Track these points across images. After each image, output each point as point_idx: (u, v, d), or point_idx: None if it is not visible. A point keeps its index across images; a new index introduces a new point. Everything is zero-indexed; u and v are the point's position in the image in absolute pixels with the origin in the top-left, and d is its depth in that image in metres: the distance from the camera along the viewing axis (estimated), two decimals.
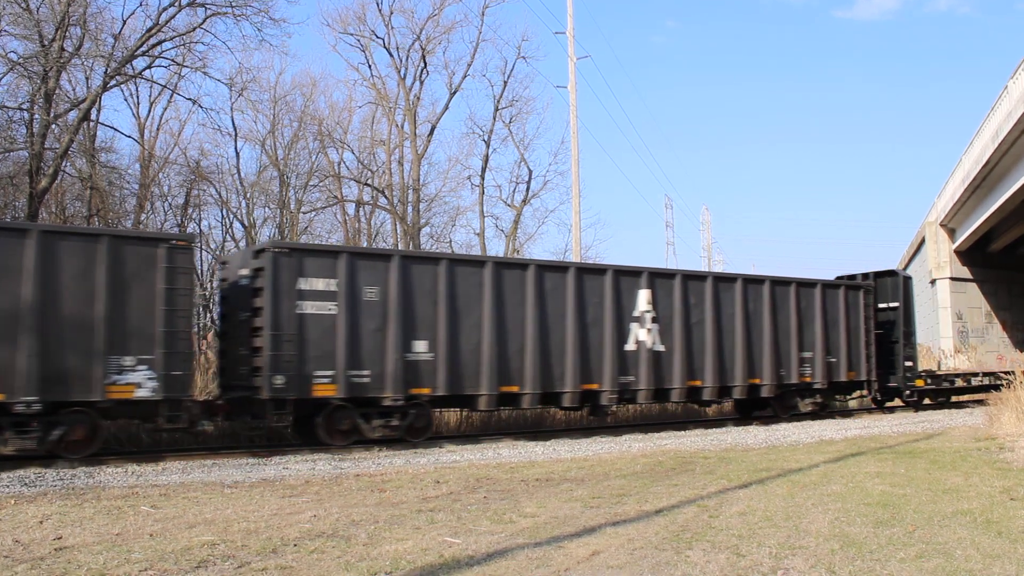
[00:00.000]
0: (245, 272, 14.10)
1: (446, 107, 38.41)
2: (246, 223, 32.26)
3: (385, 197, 35.79)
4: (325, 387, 13.67)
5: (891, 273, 22.94)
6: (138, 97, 31.60)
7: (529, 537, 6.82)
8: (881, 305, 22.48)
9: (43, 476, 10.65)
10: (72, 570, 5.84)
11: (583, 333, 16.45)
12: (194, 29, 23.87)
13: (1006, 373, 23.80)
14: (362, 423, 14.17)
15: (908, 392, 22.36)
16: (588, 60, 69.01)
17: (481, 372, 15.13)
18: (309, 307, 13.61)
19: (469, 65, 37.73)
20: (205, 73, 25.03)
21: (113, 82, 23.94)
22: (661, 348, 17.51)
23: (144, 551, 6.36)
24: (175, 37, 23.91)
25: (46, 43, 21.08)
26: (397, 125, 36.67)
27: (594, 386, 16.58)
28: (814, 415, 20.52)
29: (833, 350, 20.45)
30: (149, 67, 25.41)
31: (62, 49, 21.49)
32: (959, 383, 24.06)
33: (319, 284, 13.72)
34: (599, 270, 17.39)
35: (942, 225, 36.58)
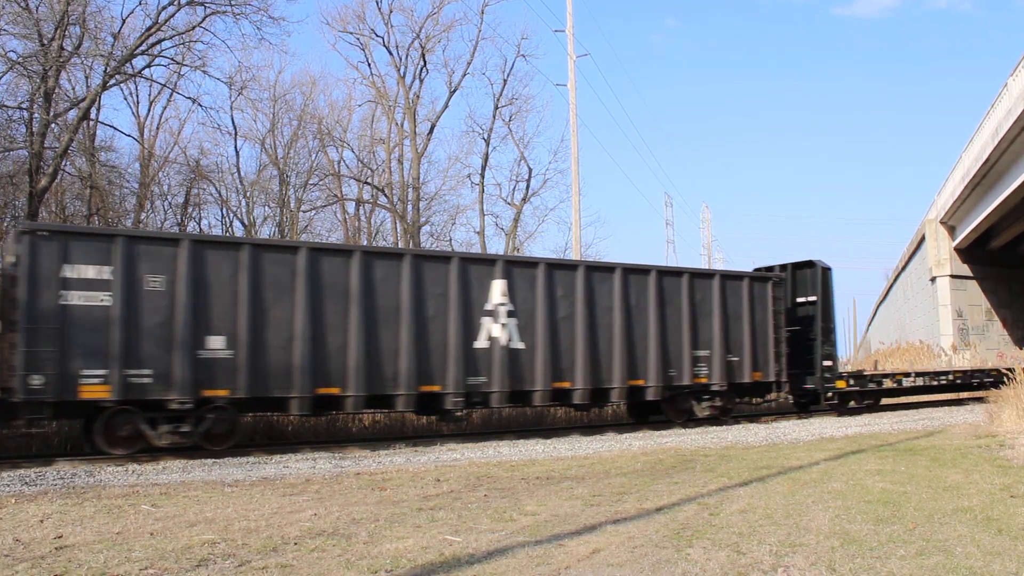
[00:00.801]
0: (10, 259, 12.54)
1: (446, 105, 38.45)
2: (246, 222, 32.29)
3: (385, 196, 35.79)
4: (95, 388, 12.07)
5: (809, 264, 21.15)
6: (138, 96, 31.64)
7: (530, 535, 6.82)
8: (800, 299, 20.88)
9: (43, 475, 10.66)
10: (73, 569, 5.84)
11: (421, 329, 14.59)
12: (193, 28, 23.88)
13: (944, 374, 23.41)
14: (147, 429, 12.61)
15: (829, 395, 20.60)
16: (588, 58, 69.20)
17: (293, 373, 13.44)
18: (76, 298, 12.03)
19: (469, 63, 37.72)
20: (205, 72, 25.00)
21: (113, 81, 23.94)
22: (520, 345, 15.62)
23: (145, 550, 6.36)
24: (174, 36, 23.91)
25: (45, 42, 21.07)
26: (397, 123, 36.69)
27: (435, 388, 14.66)
28: (716, 421, 18.59)
29: (735, 348, 18.63)
30: (149, 66, 25.44)
31: (61, 48, 21.49)
32: (887, 384, 22.07)
33: (89, 272, 12.14)
34: (442, 258, 15.80)
35: (942, 223, 36.58)
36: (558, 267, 16.60)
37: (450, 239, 39.29)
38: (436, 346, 14.80)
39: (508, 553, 6.20)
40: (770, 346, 19.31)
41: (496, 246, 39.20)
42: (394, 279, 14.49)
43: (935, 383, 22.87)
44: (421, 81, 36.72)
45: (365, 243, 35.73)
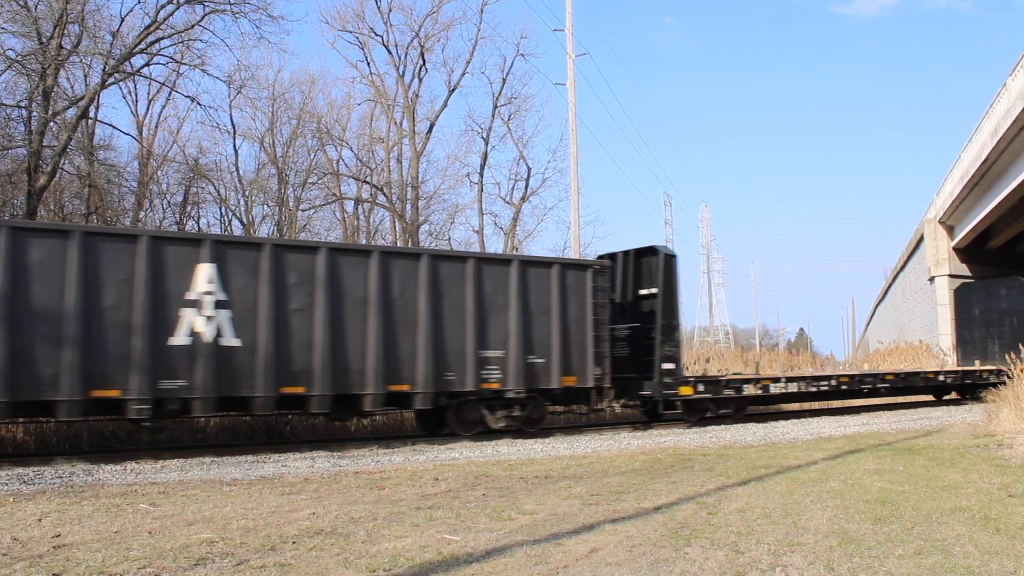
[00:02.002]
0: None
1: (445, 104, 38.48)
2: (245, 221, 32.27)
3: (384, 195, 35.78)
4: None
5: (651, 250, 18.19)
6: (136, 95, 31.59)
7: (528, 534, 6.82)
8: (643, 291, 18.02)
9: (41, 474, 10.65)
10: (71, 568, 5.83)
11: (93, 322, 12.06)
12: (192, 26, 23.87)
13: (826, 379, 20.83)
14: None
15: (672, 402, 17.87)
16: (587, 58, 69.24)
17: None
18: None
19: (468, 62, 37.69)
20: (203, 71, 24.95)
21: (111, 80, 23.92)
22: (234, 343, 12.93)
23: (143, 549, 6.36)
24: (173, 35, 23.90)
25: (44, 41, 21.06)
26: (396, 122, 36.68)
27: (112, 393, 12.07)
28: (520, 433, 15.78)
29: (539, 348, 15.82)
30: (147, 64, 25.44)
31: (60, 47, 21.47)
32: (750, 391, 19.08)
33: None
34: (126, 237, 12.77)
35: (941, 222, 36.59)
36: (291, 250, 13.95)
37: (449, 238, 39.31)
38: (116, 343, 12.19)
39: (506, 552, 6.20)
40: (588, 346, 16.41)
41: (495, 245, 39.22)
42: (58, 260, 11.92)
43: (813, 389, 20.42)
44: (420, 80, 36.72)
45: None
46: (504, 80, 38.32)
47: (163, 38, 23.81)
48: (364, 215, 37.18)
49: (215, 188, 32.29)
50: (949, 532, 6.77)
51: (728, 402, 19.05)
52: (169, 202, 31.52)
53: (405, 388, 14.40)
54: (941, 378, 23.55)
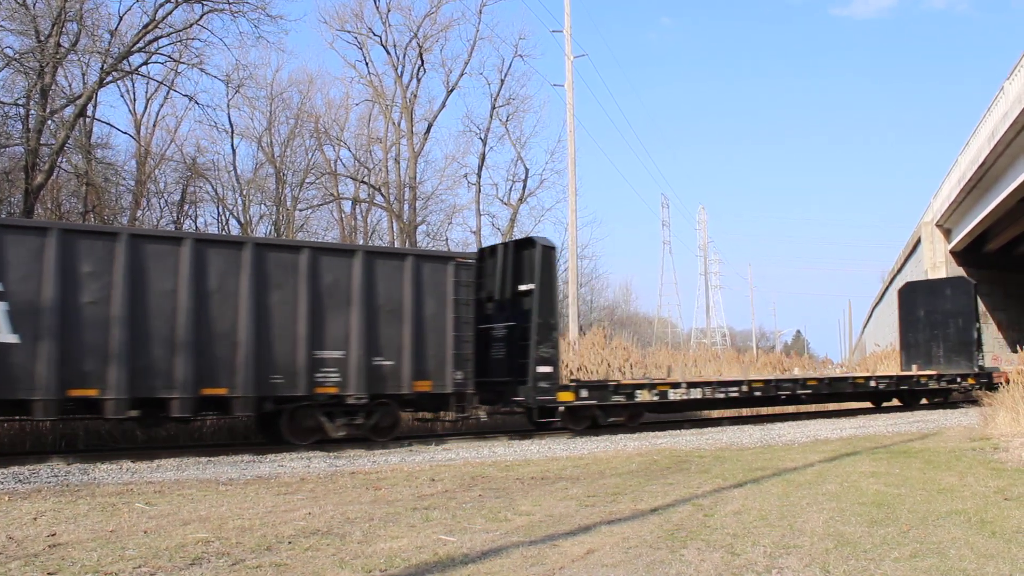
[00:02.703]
0: None
1: (443, 105, 38.50)
2: (242, 220, 32.25)
3: (381, 195, 35.78)
4: None
5: (529, 243, 16.45)
6: (134, 93, 31.61)
7: (524, 535, 6.82)
8: (523, 287, 16.20)
9: (37, 473, 10.63)
10: (66, 567, 5.82)
11: None
12: (191, 25, 23.89)
13: (735, 384, 19.17)
14: None
15: (553, 410, 16.14)
16: (585, 59, 69.11)
17: None
18: None
19: (466, 63, 37.79)
20: (202, 70, 24.97)
21: (109, 78, 23.93)
22: (11, 339, 11.57)
23: (138, 548, 6.35)
24: (172, 33, 23.92)
25: (42, 39, 21.05)
26: (394, 123, 36.70)
27: None
28: (367, 443, 14.28)
29: (387, 349, 14.19)
30: (145, 63, 25.45)
31: (58, 45, 21.46)
32: (644, 397, 17.30)
33: None
34: None
35: (938, 225, 36.64)
36: (84, 235, 12.44)
37: (447, 239, 39.33)
38: None
39: (502, 553, 6.20)
40: (448, 347, 14.72)
41: None
42: None
43: (720, 396, 18.75)
44: (418, 80, 36.79)
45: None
46: (502, 81, 38.43)
47: (161, 37, 23.83)
48: (362, 215, 37.21)
49: (213, 187, 32.28)
50: (945, 535, 6.77)
51: (619, 409, 17.25)
52: (167, 201, 31.52)
53: (222, 392, 12.87)
54: (873, 384, 22.30)
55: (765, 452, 13.25)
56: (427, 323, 14.63)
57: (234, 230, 32.14)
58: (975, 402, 22.33)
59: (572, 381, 17.55)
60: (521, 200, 39.82)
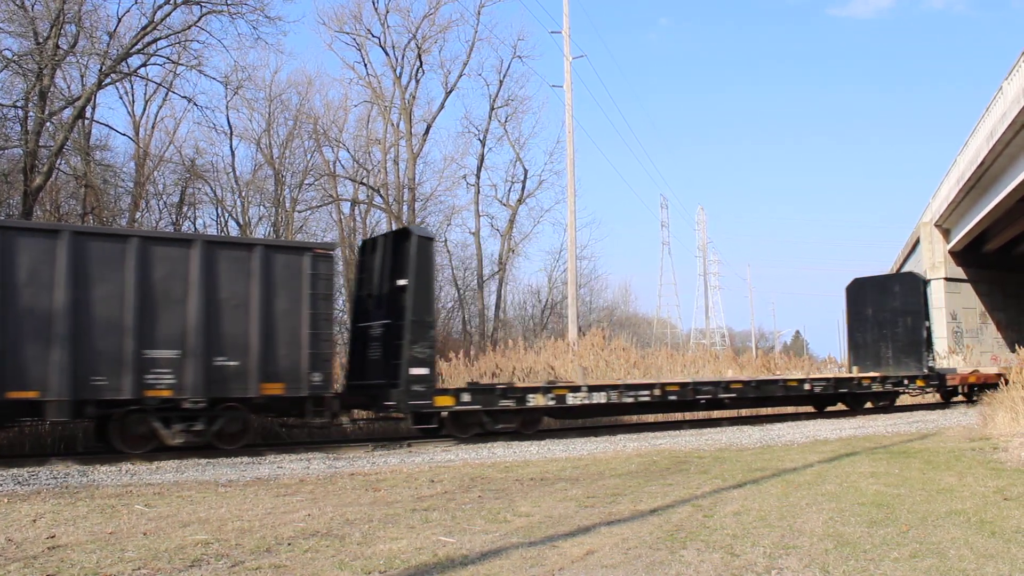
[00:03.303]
0: None
1: (442, 106, 38.45)
2: (241, 222, 32.24)
3: (380, 196, 35.77)
4: None
5: (404, 234, 15.25)
6: (133, 95, 31.58)
7: (524, 536, 6.81)
8: (399, 282, 14.93)
9: (36, 474, 10.63)
10: (65, 569, 5.82)
11: None
12: (189, 27, 23.84)
13: (647, 387, 17.63)
14: None
15: (432, 415, 14.81)
16: (584, 60, 69.01)
17: None
18: None
19: (465, 64, 37.78)
20: (200, 71, 24.91)
21: (108, 80, 23.88)
22: None
23: (138, 550, 6.35)
24: (170, 35, 23.87)
25: (41, 40, 21.03)
26: (393, 124, 36.68)
27: None
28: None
29: (232, 349, 13.03)
30: (144, 65, 25.39)
31: (57, 47, 21.44)
32: (538, 401, 15.86)
33: None
34: None
35: (937, 225, 36.65)
36: None
37: (445, 239, 39.32)
38: None
39: (502, 554, 6.20)
40: (304, 347, 13.52)
41: (492, 247, 39.28)
42: None
43: (629, 400, 17.19)
44: (417, 81, 36.76)
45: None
46: (501, 82, 38.43)
47: (160, 39, 23.78)
48: (360, 216, 37.17)
49: (211, 189, 32.25)
50: (944, 535, 6.77)
51: (510, 415, 15.80)
52: (165, 203, 31.49)
53: (31, 395, 11.68)
54: (807, 387, 20.49)
55: (764, 453, 13.25)
56: (279, 320, 13.44)
57: (233, 231, 32.13)
58: (931, 406, 22.86)
59: (455, 386, 16.40)
60: (520, 201, 39.84)
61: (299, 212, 34.21)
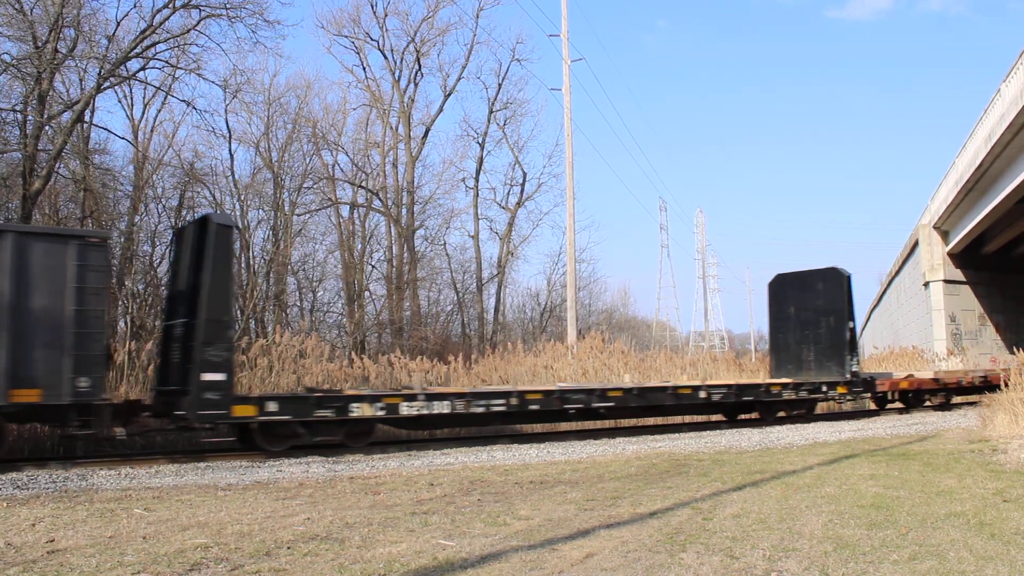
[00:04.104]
0: None
1: (440, 109, 38.50)
2: (240, 225, 32.21)
3: (379, 199, 35.79)
4: None
5: (204, 221, 13.42)
6: (132, 99, 31.55)
7: (523, 539, 6.82)
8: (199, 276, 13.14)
9: (35, 479, 10.63)
10: (65, 573, 5.82)
11: None
12: (188, 31, 23.86)
13: (502, 395, 15.56)
14: None
15: (212, 427, 12.89)
16: (582, 63, 69.27)
17: None
18: None
19: (463, 67, 37.88)
20: (199, 75, 24.97)
21: (107, 84, 23.90)
22: None
23: (137, 554, 6.35)
24: (169, 39, 23.89)
25: (40, 44, 21.04)
26: (391, 127, 36.72)
27: None
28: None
29: None
30: (143, 69, 25.40)
31: (56, 50, 21.46)
32: (362, 412, 13.97)
33: None
34: None
35: (935, 227, 36.68)
36: None
37: (444, 243, 39.35)
38: None
39: (501, 557, 6.20)
40: (66, 348, 11.75)
41: (491, 250, 39.31)
42: None
43: (479, 410, 15.16)
44: (416, 85, 36.84)
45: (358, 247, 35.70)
46: (500, 85, 38.51)
47: (159, 42, 23.81)
48: (359, 220, 37.17)
49: (210, 192, 32.21)
50: (944, 537, 6.78)
51: (331, 426, 13.99)
52: (164, 206, 31.44)
53: None
54: (703, 394, 18.11)
55: (764, 455, 13.25)
56: (35, 318, 11.67)
57: None
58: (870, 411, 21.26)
59: (248, 396, 13.88)
60: (519, 204, 39.89)
61: (298, 215, 34.23)
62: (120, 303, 25.86)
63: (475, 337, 36.94)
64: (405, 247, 35.60)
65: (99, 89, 23.42)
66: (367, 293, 36.18)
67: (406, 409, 14.48)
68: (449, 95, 37.48)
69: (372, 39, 36.47)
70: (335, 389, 16.01)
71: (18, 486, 10.08)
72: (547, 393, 16.16)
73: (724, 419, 20.56)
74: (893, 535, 6.88)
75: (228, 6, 23.26)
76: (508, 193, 40.31)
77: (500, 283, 40.12)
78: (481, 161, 38.90)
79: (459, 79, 37.64)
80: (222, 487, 10.15)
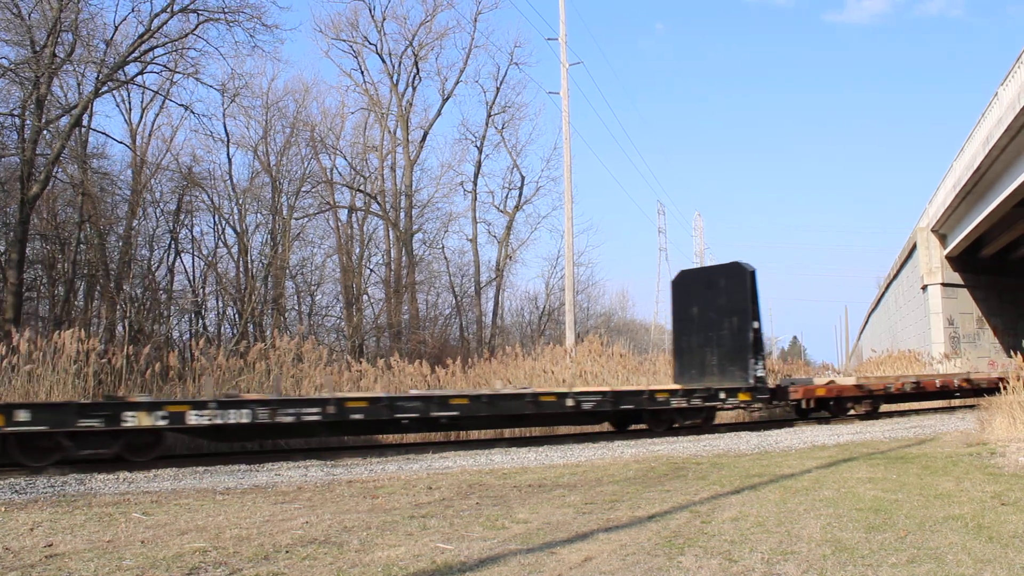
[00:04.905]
0: None
1: (439, 113, 38.61)
2: (238, 229, 32.21)
3: (377, 203, 35.81)
4: None
5: None
6: (130, 103, 31.56)
7: (522, 543, 6.81)
8: None
9: (33, 483, 10.61)
10: None
11: None
12: (186, 35, 23.90)
13: (315, 402, 13.71)
14: None
15: None
16: (580, 67, 69.28)
17: None
18: None
19: (462, 71, 37.98)
20: (197, 79, 24.94)
21: (105, 88, 23.93)
22: None
23: (135, 558, 6.34)
24: (167, 43, 23.92)
25: (38, 49, 21.05)
26: (390, 131, 36.77)
27: None
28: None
29: None
30: (141, 73, 25.43)
31: (54, 55, 21.46)
32: (139, 422, 12.31)
33: None
34: None
35: (933, 231, 36.76)
36: None
37: (443, 246, 39.36)
38: None
39: (500, 561, 6.20)
40: None
41: (489, 254, 39.34)
42: None
43: (287, 419, 13.36)
44: (414, 88, 36.90)
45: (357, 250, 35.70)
46: (498, 89, 38.62)
47: (157, 46, 23.83)
48: (358, 224, 37.20)
49: (208, 196, 32.23)
50: (942, 540, 6.78)
51: (104, 438, 12.36)
52: (162, 210, 31.45)
53: None
54: (570, 402, 16.29)
55: (762, 458, 13.25)
56: None
57: (230, 239, 32.11)
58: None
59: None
60: (517, 207, 39.93)
61: (296, 219, 34.24)
62: (118, 307, 25.86)
63: (473, 341, 36.96)
64: (403, 251, 35.62)
65: (97, 93, 23.44)
66: (365, 297, 36.20)
67: (195, 418, 12.80)
68: (447, 99, 37.57)
69: (370, 43, 36.56)
70: (117, 396, 14.40)
71: (16, 491, 10.07)
72: (373, 401, 14.32)
73: (613, 430, 18.74)
74: (891, 538, 6.88)
75: (226, 10, 23.30)
76: (506, 197, 40.40)
77: (498, 287, 40.17)
78: (479, 165, 38.99)
79: (457, 83, 37.74)
80: (220, 491, 10.15)
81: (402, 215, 35.74)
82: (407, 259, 35.67)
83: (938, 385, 23.37)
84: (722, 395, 18.34)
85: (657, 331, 72.57)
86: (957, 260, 36.57)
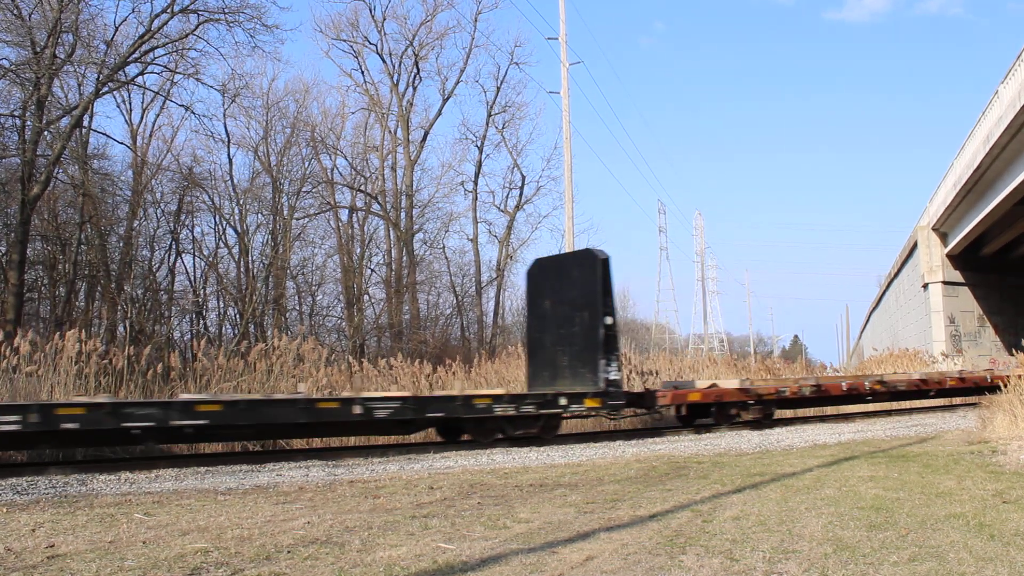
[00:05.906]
0: None
1: (439, 113, 38.61)
2: (239, 229, 32.24)
3: (378, 203, 35.82)
4: None
5: None
6: (130, 103, 31.60)
7: (523, 543, 6.81)
8: None
9: (35, 484, 10.61)
10: None
11: None
12: (187, 36, 23.93)
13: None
14: None
15: None
16: (581, 66, 69.22)
17: None
18: None
19: (462, 71, 37.98)
20: (198, 79, 24.99)
21: (105, 88, 23.95)
22: None
23: (137, 559, 6.34)
24: (167, 44, 23.95)
25: (38, 50, 21.06)
26: (390, 131, 36.78)
27: None
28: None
29: None
30: (141, 73, 25.46)
31: (54, 56, 21.48)
32: None
33: None
34: None
35: (934, 229, 36.76)
36: None
37: (443, 246, 39.37)
38: None
39: (501, 560, 6.20)
40: None
41: (490, 253, 39.35)
42: None
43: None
44: (414, 88, 36.91)
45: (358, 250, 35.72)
46: (498, 88, 38.61)
47: (157, 47, 23.87)
48: (358, 224, 37.22)
49: (209, 197, 32.26)
50: (944, 539, 6.78)
51: None
52: (163, 211, 31.49)
53: None
54: (357, 409, 13.83)
55: (763, 457, 13.25)
56: None
57: (231, 239, 32.14)
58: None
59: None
60: (518, 207, 39.92)
61: (297, 219, 34.26)
62: (119, 308, 25.88)
63: (474, 340, 36.95)
64: (404, 251, 35.63)
65: (97, 94, 23.46)
66: (366, 297, 36.22)
67: None
68: (448, 99, 37.58)
69: (370, 43, 36.58)
70: None
71: (17, 491, 10.08)
72: (92, 407, 11.88)
73: (441, 440, 16.29)
74: (893, 536, 6.88)
75: (226, 11, 23.33)
76: (507, 196, 40.39)
77: (499, 286, 40.17)
78: (480, 164, 38.99)
79: (457, 83, 37.76)
80: (222, 491, 10.15)
81: (403, 215, 35.76)
82: (408, 259, 35.68)
83: (844, 389, 20.56)
84: (563, 401, 15.85)
85: (658, 330, 72.63)
86: (958, 258, 36.57)
